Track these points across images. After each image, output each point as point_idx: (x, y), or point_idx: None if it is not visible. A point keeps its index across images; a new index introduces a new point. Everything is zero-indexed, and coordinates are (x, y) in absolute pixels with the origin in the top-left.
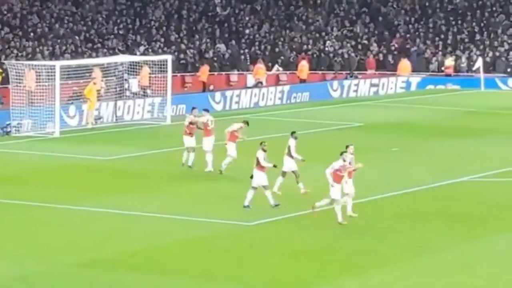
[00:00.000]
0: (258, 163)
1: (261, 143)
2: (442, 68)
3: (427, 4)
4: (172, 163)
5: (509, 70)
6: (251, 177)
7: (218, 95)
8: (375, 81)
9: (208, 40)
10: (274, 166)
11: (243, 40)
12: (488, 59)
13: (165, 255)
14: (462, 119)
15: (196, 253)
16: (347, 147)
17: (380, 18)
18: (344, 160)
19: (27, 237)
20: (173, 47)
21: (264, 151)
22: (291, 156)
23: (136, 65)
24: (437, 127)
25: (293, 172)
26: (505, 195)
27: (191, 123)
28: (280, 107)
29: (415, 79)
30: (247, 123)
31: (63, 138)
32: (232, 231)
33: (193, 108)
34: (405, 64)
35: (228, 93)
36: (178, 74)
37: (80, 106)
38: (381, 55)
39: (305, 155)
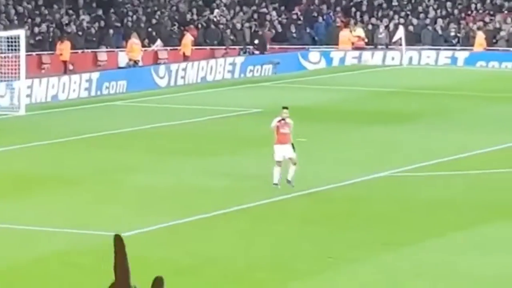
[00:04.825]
0: None
1: None
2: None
3: None
4: (31, 162)
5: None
6: None
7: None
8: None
9: (69, 11)
10: None
11: (112, 10)
12: (411, 28)
13: (22, 274)
14: (380, 101)
15: (63, 271)
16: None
17: None
18: None
19: None
20: (27, 20)
21: None
22: None
23: None
24: (351, 112)
25: None
26: (432, 193)
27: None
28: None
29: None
30: None
31: None
32: (104, 243)
33: (284, 108)
34: (346, 36)
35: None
36: (34, 53)
37: None
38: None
39: (193, 146)
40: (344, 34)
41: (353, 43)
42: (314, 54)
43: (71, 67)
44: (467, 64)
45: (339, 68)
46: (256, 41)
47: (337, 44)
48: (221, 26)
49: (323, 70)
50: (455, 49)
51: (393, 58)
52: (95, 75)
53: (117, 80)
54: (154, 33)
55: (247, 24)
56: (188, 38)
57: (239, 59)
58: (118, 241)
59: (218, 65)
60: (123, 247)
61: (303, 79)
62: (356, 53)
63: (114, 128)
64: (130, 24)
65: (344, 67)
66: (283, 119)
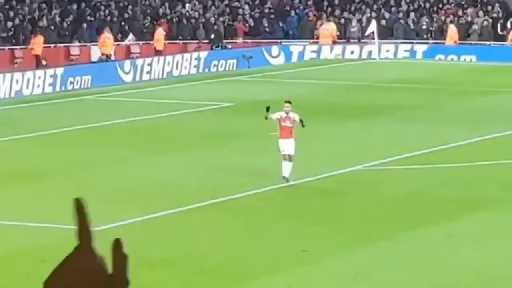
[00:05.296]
0: None
1: None
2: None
3: None
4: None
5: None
6: None
7: None
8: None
9: (42, 5)
10: None
11: (85, 5)
12: (384, 22)
13: None
14: (353, 95)
15: (34, 267)
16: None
17: None
18: None
19: None
20: None
21: None
22: None
23: None
24: (323, 106)
25: None
26: (407, 186)
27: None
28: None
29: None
30: None
31: None
32: (73, 238)
33: (286, 101)
34: (328, 30)
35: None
36: (6, 48)
37: None
38: (252, 20)
39: (166, 141)
40: (326, 28)
41: (333, 37)
42: (274, 48)
43: (44, 62)
44: (426, 58)
45: (308, 63)
46: (212, 36)
47: (310, 38)
48: (193, 21)
49: (292, 65)
50: (412, 43)
51: (352, 52)
52: (59, 70)
53: (82, 75)
54: (127, 27)
55: (221, 19)
56: (160, 33)
57: (203, 54)
58: (79, 204)
59: (184, 60)
60: (85, 210)
61: (272, 73)
62: (315, 47)
63: (82, 123)
64: (102, 18)
65: (307, 62)
66: (285, 113)
